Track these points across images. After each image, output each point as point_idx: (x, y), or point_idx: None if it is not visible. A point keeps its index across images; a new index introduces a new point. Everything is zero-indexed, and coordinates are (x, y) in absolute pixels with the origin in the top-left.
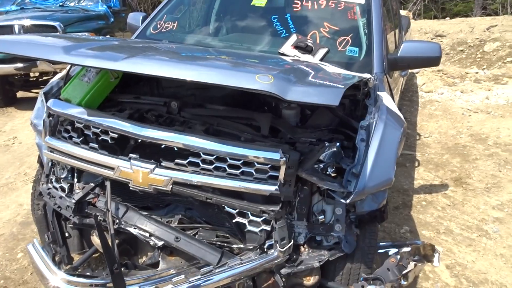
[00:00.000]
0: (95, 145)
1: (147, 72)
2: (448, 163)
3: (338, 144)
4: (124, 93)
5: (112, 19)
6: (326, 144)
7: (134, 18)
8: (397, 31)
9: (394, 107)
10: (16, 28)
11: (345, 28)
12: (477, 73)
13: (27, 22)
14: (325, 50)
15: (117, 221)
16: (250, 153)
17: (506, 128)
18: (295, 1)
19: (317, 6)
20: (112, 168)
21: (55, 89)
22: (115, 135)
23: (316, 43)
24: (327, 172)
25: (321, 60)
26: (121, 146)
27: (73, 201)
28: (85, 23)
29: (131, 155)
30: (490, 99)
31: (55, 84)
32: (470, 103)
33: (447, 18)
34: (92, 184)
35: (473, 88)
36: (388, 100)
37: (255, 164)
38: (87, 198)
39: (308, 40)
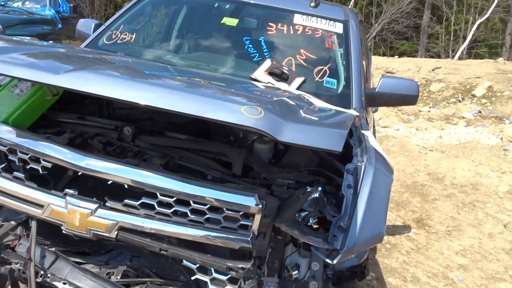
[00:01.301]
0: (21, 175)
1: (94, 91)
2: (408, 202)
3: (320, 189)
4: (65, 111)
5: (60, 25)
6: (308, 189)
7: (85, 25)
8: (365, 64)
9: (380, 149)
10: None
11: (322, 57)
12: (429, 111)
13: None
14: (302, 79)
15: (42, 273)
16: (219, 197)
17: (461, 169)
18: (270, 23)
19: (293, 32)
20: (40, 206)
21: None
22: (48, 164)
23: (292, 70)
24: (309, 223)
25: (298, 89)
26: (55, 177)
27: None
28: (28, 27)
29: (67, 190)
30: (443, 138)
31: None
32: (425, 141)
33: (396, 56)
34: (13, 222)
35: (427, 126)
36: (373, 141)
37: (224, 210)
38: (4, 240)
39: (284, 67)
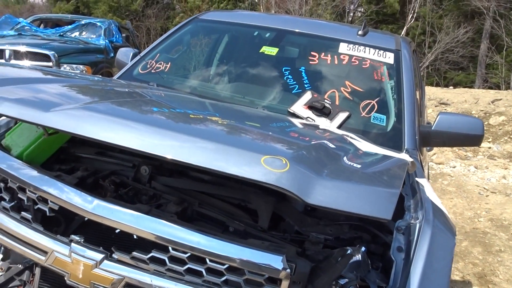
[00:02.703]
0: (28, 216)
1: (82, 133)
2: (468, 252)
3: (364, 249)
4: (87, 145)
5: (112, 54)
6: (349, 250)
7: (124, 54)
8: (419, 97)
9: (439, 203)
10: (7, 54)
11: (370, 90)
12: (490, 148)
13: (22, 48)
14: (346, 114)
15: None
16: (238, 256)
17: None
18: (312, 53)
19: (337, 62)
20: (44, 252)
21: (2, 130)
22: (56, 206)
23: (335, 104)
24: None
25: (340, 126)
26: (66, 220)
27: None
28: (82, 55)
29: (73, 236)
30: (507, 179)
31: (3, 124)
32: (486, 182)
33: (451, 87)
34: (20, 266)
35: (487, 164)
36: (430, 192)
37: (245, 272)
38: (9, 286)
39: (326, 100)
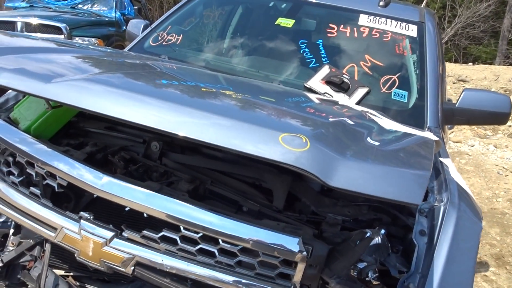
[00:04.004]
0: (37, 191)
1: (85, 106)
2: (485, 233)
3: (383, 232)
4: (96, 119)
5: (124, 27)
6: (368, 233)
7: (135, 26)
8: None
9: (464, 185)
10: (19, 26)
11: (391, 64)
12: (510, 126)
13: (33, 21)
14: (365, 90)
15: None
16: (252, 237)
17: None
18: (330, 25)
19: (357, 35)
20: (54, 228)
21: (10, 103)
22: (64, 182)
23: (354, 79)
24: (367, 278)
25: (359, 102)
26: (76, 196)
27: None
28: (94, 28)
29: (82, 213)
30: None
31: (12, 96)
32: (506, 161)
33: (470, 63)
34: (31, 241)
35: (507, 143)
36: (455, 173)
37: (260, 253)
38: (20, 261)
39: (344, 75)
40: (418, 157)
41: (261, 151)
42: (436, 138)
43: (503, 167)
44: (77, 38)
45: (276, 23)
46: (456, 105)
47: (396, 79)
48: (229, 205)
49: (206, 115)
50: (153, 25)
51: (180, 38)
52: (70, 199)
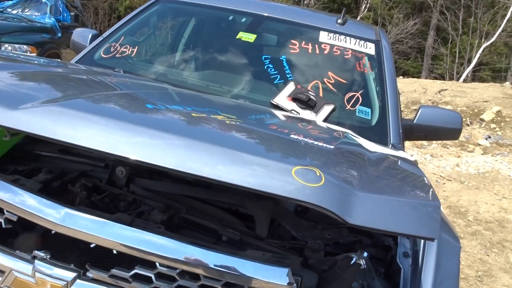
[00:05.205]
0: None
1: (61, 138)
2: None
3: (366, 255)
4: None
5: (59, 34)
6: (354, 258)
7: (81, 35)
8: None
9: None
10: None
11: (353, 81)
12: None
13: None
14: (331, 107)
15: None
16: (240, 270)
17: (484, 203)
18: (292, 41)
19: (319, 51)
20: (0, 272)
21: None
22: (14, 217)
23: (319, 96)
24: None
25: (326, 119)
26: (28, 232)
27: None
28: (26, 35)
29: (36, 252)
30: (460, 167)
31: None
32: (442, 170)
33: (400, 76)
34: None
35: (442, 153)
36: None
37: None
38: None
39: (310, 92)
40: (419, 185)
41: (277, 189)
42: (414, 159)
43: (441, 176)
44: (6, 45)
45: (237, 37)
46: (414, 121)
47: (359, 96)
48: (207, 235)
49: (198, 144)
50: (104, 35)
51: (135, 50)
52: (20, 235)
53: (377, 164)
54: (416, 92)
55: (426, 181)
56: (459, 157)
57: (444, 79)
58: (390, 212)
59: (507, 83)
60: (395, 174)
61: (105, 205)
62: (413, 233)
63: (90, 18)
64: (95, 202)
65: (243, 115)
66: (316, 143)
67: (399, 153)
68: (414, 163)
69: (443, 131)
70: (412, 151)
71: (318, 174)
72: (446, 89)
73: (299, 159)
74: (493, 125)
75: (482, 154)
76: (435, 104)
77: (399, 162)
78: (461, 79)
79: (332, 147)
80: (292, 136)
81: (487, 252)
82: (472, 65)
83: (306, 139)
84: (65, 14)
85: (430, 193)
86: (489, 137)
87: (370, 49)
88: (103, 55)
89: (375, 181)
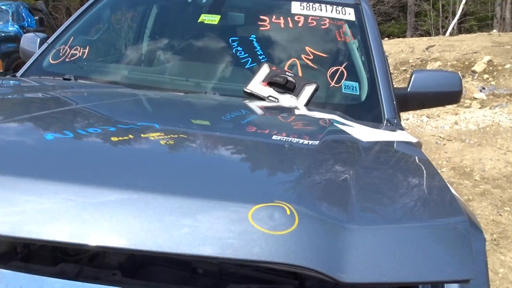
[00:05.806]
0: None
1: None
2: None
3: None
4: None
5: None
6: None
7: (30, 41)
8: None
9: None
10: None
11: (335, 54)
12: None
13: None
14: (313, 87)
15: None
16: None
17: (488, 159)
18: (261, 17)
19: (292, 25)
20: None
21: None
22: None
23: (299, 76)
24: None
25: (308, 102)
26: None
27: None
28: None
29: None
30: (459, 125)
31: None
32: (441, 130)
33: (386, 38)
34: None
35: (438, 112)
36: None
37: None
38: None
39: (287, 73)
40: (433, 191)
41: (218, 249)
42: (415, 140)
43: (440, 137)
44: None
45: (199, 20)
46: (408, 90)
47: (344, 70)
48: (179, 269)
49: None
50: (50, 39)
51: (87, 51)
52: None
53: (374, 162)
54: (403, 52)
55: (439, 180)
56: (456, 114)
57: (431, 35)
58: (400, 251)
59: (494, 30)
60: (398, 177)
61: (46, 255)
62: (437, 278)
63: (63, 19)
64: (32, 253)
65: (192, 122)
66: (294, 144)
67: (398, 135)
68: (418, 146)
69: (442, 95)
70: (407, 114)
71: (288, 212)
72: (433, 45)
73: (261, 190)
74: (486, 76)
75: (480, 108)
76: (424, 62)
77: (400, 153)
78: (448, 32)
79: (317, 143)
80: (260, 140)
81: (499, 212)
82: (457, 17)
83: (282, 140)
84: (29, 19)
85: (448, 198)
86: (484, 88)
87: (350, 14)
88: (51, 61)
89: (372, 197)
